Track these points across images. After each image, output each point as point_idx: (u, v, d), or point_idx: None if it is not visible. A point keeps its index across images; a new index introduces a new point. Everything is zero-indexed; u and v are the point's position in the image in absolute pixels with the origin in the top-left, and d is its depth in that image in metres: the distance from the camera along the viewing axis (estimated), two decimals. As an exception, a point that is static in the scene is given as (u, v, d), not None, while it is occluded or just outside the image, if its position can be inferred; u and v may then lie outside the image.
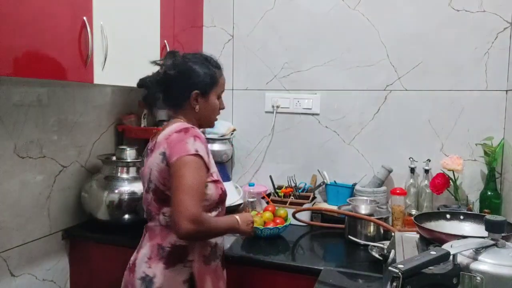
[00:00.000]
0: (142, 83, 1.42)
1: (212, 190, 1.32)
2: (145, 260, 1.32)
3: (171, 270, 1.29)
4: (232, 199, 2.06)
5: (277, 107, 2.21)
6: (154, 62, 1.44)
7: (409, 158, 1.98)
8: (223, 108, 1.48)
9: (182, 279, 1.30)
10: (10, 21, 1.21)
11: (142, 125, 2.19)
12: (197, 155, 1.25)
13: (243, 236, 1.76)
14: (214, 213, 1.35)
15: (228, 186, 2.08)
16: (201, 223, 1.20)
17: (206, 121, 1.45)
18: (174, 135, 1.29)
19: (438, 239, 1.17)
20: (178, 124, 1.34)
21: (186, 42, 2.14)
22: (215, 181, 1.34)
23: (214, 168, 1.36)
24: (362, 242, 1.71)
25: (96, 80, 1.54)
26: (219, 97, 1.45)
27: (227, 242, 1.73)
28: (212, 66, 1.41)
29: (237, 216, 1.38)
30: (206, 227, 1.23)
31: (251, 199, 2.02)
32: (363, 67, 2.07)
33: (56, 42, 1.36)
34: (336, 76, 2.11)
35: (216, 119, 1.48)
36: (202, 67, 1.38)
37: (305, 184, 2.14)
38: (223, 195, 1.37)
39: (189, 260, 1.32)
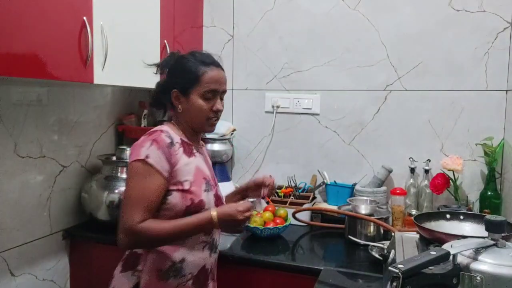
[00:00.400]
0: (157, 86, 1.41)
1: (176, 199, 1.23)
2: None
3: (123, 275, 1.30)
4: (232, 199, 2.06)
5: (277, 107, 2.21)
6: (155, 65, 1.41)
7: (409, 158, 1.98)
8: (216, 111, 1.31)
9: (128, 287, 1.27)
10: (10, 21, 1.21)
11: (142, 125, 2.19)
12: (145, 161, 1.19)
13: (239, 234, 1.67)
14: None
15: (228, 186, 2.09)
16: (136, 234, 1.17)
17: (193, 123, 1.33)
18: (140, 138, 1.26)
19: (438, 239, 1.17)
20: (158, 126, 1.32)
21: (186, 42, 2.14)
22: (184, 191, 1.24)
23: (188, 176, 1.26)
24: (362, 242, 1.71)
25: (96, 80, 1.54)
26: (205, 97, 1.29)
27: (227, 241, 1.73)
28: (198, 62, 1.29)
29: (213, 213, 1.22)
30: (145, 237, 1.18)
31: (251, 199, 2.02)
32: (363, 67, 2.07)
33: (56, 42, 1.36)
34: (336, 76, 2.11)
35: (211, 122, 1.33)
36: (184, 63, 1.30)
37: (305, 184, 2.14)
38: (191, 207, 1.24)
39: (138, 269, 1.27)
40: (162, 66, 1.38)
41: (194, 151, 1.34)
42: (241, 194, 1.54)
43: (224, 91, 1.34)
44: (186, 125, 1.34)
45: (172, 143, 1.25)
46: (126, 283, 1.27)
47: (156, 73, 1.39)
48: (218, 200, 1.36)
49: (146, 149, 1.21)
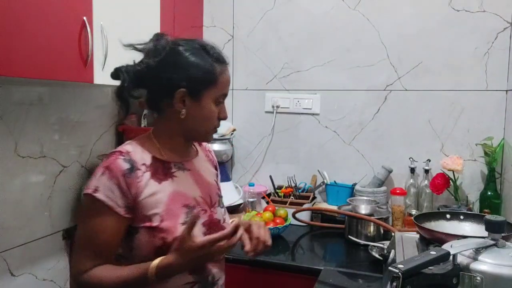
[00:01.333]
0: (117, 72, 1.08)
1: (143, 240, 0.99)
2: None
3: None
4: (232, 199, 2.06)
5: (277, 107, 2.21)
6: (132, 46, 1.09)
7: (409, 158, 1.98)
8: (223, 118, 1.10)
9: None
10: (10, 21, 1.21)
11: (143, 125, 2.19)
12: (93, 196, 0.97)
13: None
14: None
15: (228, 186, 2.09)
16: (81, 285, 0.99)
17: (196, 132, 1.08)
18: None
19: (438, 239, 1.17)
20: (126, 143, 1.07)
21: (186, 42, 2.14)
22: (154, 228, 0.99)
23: (157, 209, 1.00)
24: (362, 242, 1.71)
25: (96, 80, 1.54)
26: (217, 102, 1.06)
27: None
28: (211, 58, 1.04)
29: (153, 263, 0.94)
30: (90, 287, 0.99)
31: (251, 199, 2.03)
32: (363, 67, 2.07)
33: (56, 42, 1.36)
34: (336, 76, 2.11)
35: (214, 132, 1.10)
36: (196, 57, 1.03)
37: (305, 184, 2.14)
38: (164, 247, 0.98)
39: None
40: (150, 51, 1.06)
41: (174, 170, 1.07)
42: None
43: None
44: (176, 134, 1.08)
45: (132, 169, 0.99)
46: None
47: (143, 64, 1.08)
48: (211, 228, 1.07)
49: (96, 180, 0.98)
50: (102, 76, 1.56)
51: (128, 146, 1.05)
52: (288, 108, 2.20)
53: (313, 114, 2.17)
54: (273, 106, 2.21)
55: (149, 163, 1.03)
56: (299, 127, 2.20)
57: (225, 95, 1.09)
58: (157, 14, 1.88)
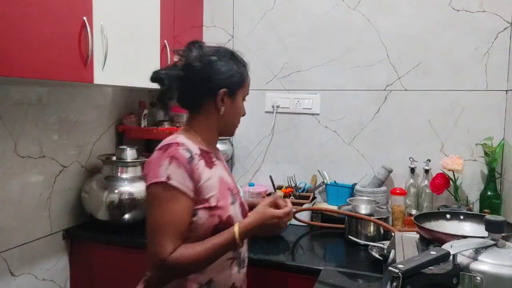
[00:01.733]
0: (157, 76, 1.17)
1: (203, 219, 1.11)
2: None
3: None
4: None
5: (277, 107, 2.21)
6: (176, 52, 1.22)
7: (409, 158, 1.98)
8: (243, 115, 1.28)
9: None
10: (10, 21, 1.21)
11: (142, 125, 2.19)
12: (167, 183, 1.06)
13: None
14: None
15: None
16: (170, 268, 1.06)
17: (228, 127, 1.25)
18: (155, 153, 1.12)
19: (438, 239, 1.16)
20: (171, 136, 1.16)
21: (186, 42, 2.14)
22: (212, 208, 1.12)
23: (213, 191, 1.14)
24: (362, 242, 1.71)
25: (96, 80, 1.54)
26: (243, 101, 1.25)
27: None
28: (240, 63, 1.22)
29: (235, 230, 1.10)
30: (180, 268, 1.06)
31: (251, 199, 2.02)
32: (363, 67, 2.07)
33: (56, 42, 1.36)
34: (336, 76, 2.11)
35: (237, 126, 1.28)
36: (230, 63, 1.19)
37: (305, 184, 2.14)
38: (220, 225, 1.13)
39: None
40: (192, 58, 1.18)
41: (214, 159, 1.22)
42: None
43: None
44: (214, 129, 1.22)
45: (191, 157, 1.11)
46: None
47: (195, 65, 1.17)
48: (243, 210, 1.24)
49: (165, 169, 1.07)
50: (102, 76, 1.56)
51: (180, 138, 1.15)
52: (288, 108, 2.20)
53: (313, 114, 2.17)
54: (273, 106, 2.21)
55: (199, 153, 1.16)
56: (299, 127, 2.20)
57: (247, 95, 1.27)
58: (157, 14, 1.88)
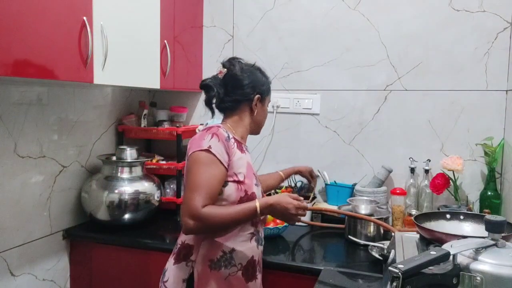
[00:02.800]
0: (205, 84, 1.43)
1: (231, 190, 1.32)
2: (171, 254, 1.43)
3: (176, 267, 1.36)
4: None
5: (277, 107, 2.21)
6: (223, 64, 1.47)
7: (409, 158, 1.98)
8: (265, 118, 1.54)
9: (182, 277, 1.34)
10: (10, 21, 1.21)
11: (142, 125, 2.19)
12: (208, 151, 1.27)
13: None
14: None
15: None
16: (201, 219, 1.23)
17: (257, 127, 1.49)
18: (198, 134, 1.37)
19: (438, 239, 1.16)
20: (212, 125, 1.38)
21: (186, 42, 2.14)
22: (239, 182, 1.33)
23: (241, 169, 1.35)
24: (362, 242, 1.71)
25: (96, 80, 1.54)
26: (267, 106, 1.52)
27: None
28: (266, 76, 1.51)
29: (256, 203, 1.30)
30: (208, 222, 1.24)
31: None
32: (363, 67, 2.07)
33: (56, 42, 1.36)
34: (336, 76, 2.11)
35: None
36: (260, 75, 1.47)
37: (305, 184, 2.14)
38: (244, 198, 1.33)
39: (191, 259, 1.34)
40: (235, 69, 1.44)
41: (244, 148, 1.43)
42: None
43: None
44: (248, 127, 1.46)
45: (229, 137, 1.34)
46: (181, 273, 1.34)
47: (243, 78, 1.43)
48: (262, 194, 1.45)
49: (207, 141, 1.29)
50: (102, 76, 1.56)
51: (219, 125, 1.38)
52: (288, 108, 2.20)
53: (313, 114, 2.17)
54: (273, 106, 2.21)
55: (233, 139, 1.38)
56: (299, 127, 2.20)
57: (270, 102, 1.55)
58: (157, 14, 1.88)
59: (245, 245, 1.36)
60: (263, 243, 1.44)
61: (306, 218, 1.98)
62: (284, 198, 1.33)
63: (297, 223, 1.90)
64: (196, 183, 1.26)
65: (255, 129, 1.50)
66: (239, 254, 1.34)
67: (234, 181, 1.32)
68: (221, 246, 1.32)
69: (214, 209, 1.26)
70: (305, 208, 1.37)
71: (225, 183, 1.31)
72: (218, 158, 1.28)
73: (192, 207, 1.23)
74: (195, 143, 1.32)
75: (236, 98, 1.43)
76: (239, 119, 1.45)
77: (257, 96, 1.43)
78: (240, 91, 1.42)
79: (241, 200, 1.32)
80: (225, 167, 1.30)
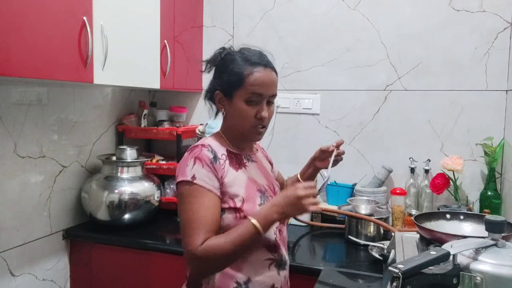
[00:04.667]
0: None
1: (229, 219, 1.13)
2: None
3: None
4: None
5: (277, 107, 2.20)
6: (205, 61, 1.25)
7: (409, 158, 1.97)
8: (261, 118, 1.16)
9: None
10: (10, 21, 1.21)
11: (142, 125, 2.19)
12: (192, 183, 1.10)
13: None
14: None
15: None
16: (200, 257, 1.05)
17: (237, 130, 1.19)
18: (185, 154, 1.17)
19: (438, 239, 1.17)
20: (202, 139, 1.21)
21: (186, 42, 2.14)
22: (238, 210, 1.13)
23: (239, 191, 1.15)
24: (362, 242, 1.71)
25: (96, 80, 1.54)
26: (249, 102, 1.15)
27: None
28: (243, 60, 1.15)
29: (252, 220, 1.07)
30: (209, 257, 1.06)
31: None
32: (363, 67, 2.07)
33: (56, 42, 1.36)
34: (336, 76, 2.11)
35: (256, 131, 1.18)
36: (232, 62, 1.16)
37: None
38: None
39: None
40: (209, 62, 1.23)
41: (245, 161, 1.23)
42: (310, 165, 1.47)
43: (273, 95, 1.20)
44: (234, 132, 1.21)
45: (215, 158, 1.13)
46: None
47: (203, 71, 1.24)
48: None
49: (190, 169, 1.11)
50: (102, 76, 1.56)
51: (207, 140, 1.20)
52: (288, 108, 2.20)
53: (313, 114, 2.17)
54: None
55: (226, 154, 1.18)
56: (299, 127, 2.20)
57: (258, 95, 1.16)
58: (157, 14, 1.88)
59: (263, 273, 1.17)
60: (287, 266, 1.25)
61: (306, 218, 1.98)
62: (287, 189, 1.12)
63: (297, 223, 1.92)
64: (187, 220, 1.09)
65: (239, 133, 1.20)
66: (256, 284, 1.15)
67: (230, 209, 1.13)
68: (234, 277, 1.14)
69: (214, 240, 1.07)
70: (312, 187, 1.10)
71: (222, 211, 1.13)
72: (205, 188, 1.10)
73: (187, 247, 1.07)
74: (180, 170, 1.14)
75: (208, 98, 1.23)
76: (224, 122, 1.23)
77: (216, 93, 1.18)
78: (208, 88, 1.23)
79: None
80: (217, 194, 1.12)
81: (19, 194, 1.65)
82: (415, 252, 1.18)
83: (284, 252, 1.24)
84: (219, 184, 1.13)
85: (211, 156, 1.13)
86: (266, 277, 1.17)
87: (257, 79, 1.14)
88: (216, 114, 1.26)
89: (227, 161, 1.17)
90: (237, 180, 1.16)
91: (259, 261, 1.16)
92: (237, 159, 1.21)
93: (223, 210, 1.13)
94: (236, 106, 1.16)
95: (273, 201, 1.12)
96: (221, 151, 1.18)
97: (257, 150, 1.34)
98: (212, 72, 1.24)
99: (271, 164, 1.43)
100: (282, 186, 1.45)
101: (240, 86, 1.14)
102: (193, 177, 1.10)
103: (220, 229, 1.12)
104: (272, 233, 1.18)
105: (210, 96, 1.22)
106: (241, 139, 1.23)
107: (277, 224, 1.16)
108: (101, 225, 1.86)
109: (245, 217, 1.11)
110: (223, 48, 1.23)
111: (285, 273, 1.24)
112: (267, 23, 2.21)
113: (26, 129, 1.66)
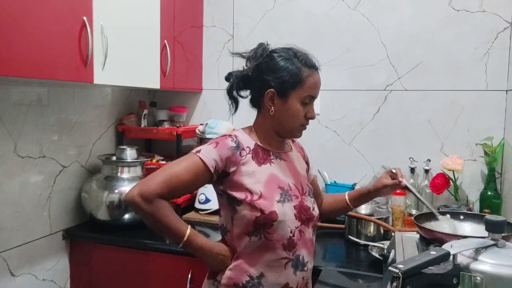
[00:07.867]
0: (229, 76, 1.26)
1: (245, 210, 1.14)
2: None
3: (207, 283, 1.24)
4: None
5: (277, 107, 2.20)
6: (239, 54, 1.25)
7: (409, 158, 1.97)
8: (311, 118, 1.23)
9: None
10: (10, 21, 1.21)
11: (142, 125, 2.19)
12: (195, 154, 1.14)
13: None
14: (254, 239, 1.16)
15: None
16: (148, 202, 1.09)
17: (283, 128, 1.22)
18: None
19: (438, 239, 1.16)
20: (235, 130, 1.25)
21: (186, 42, 2.14)
22: (254, 202, 1.14)
23: (257, 185, 1.15)
24: (362, 242, 1.71)
25: (96, 80, 1.54)
26: (304, 102, 1.19)
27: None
28: (300, 63, 1.19)
29: (188, 230, 1.14)
30: (149, 210, 1.10)
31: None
32: (363, 67, 2.07)
33: (56, 42, 1.36)
34: (336, 76, 2.11)
35: (301, 129, 1.25)
36: (286, 62, 1.18)
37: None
38: (260, 218, 1.13)
39: (217, 279, 1.20)
40: (251, 58, 1.22)
41: (272, 157, 1.23)
42: (371, 194, 1.37)
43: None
44: (270, 129, 1.23)
45: (237, 148, 1.17)
46: None
47: (247, 70, 1.23)
48: (302, 212, 1.21)
49: (203, 147, 1.17)
50: (102, 76, 1.56)
51: (237, 132, 1.23)
52: (288, 108, 2.20)
53: (313, 114, 2.16)
54: (273, 106, 2.21)
55: (252, 147, 1.21)
56: (299, 127, 2.19)
57: (312, 97, 1.21)
58: (157, 14, 1.88)
59: (277, 271, 1.17)
60: (306, 267, 1.23)
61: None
62: (220, 246, 1.19)
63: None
64: (167, 170, 1.13)
65: (282, 131, 1.23)
66: (269, 281, 1.17)
67: (246, 200, 1.14)
68: (247, 271, 1.17)
69: (161, 205, 1.11)
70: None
71: (238, 202, 1.15)
72: (201, 159, 1.12)
73: (142, 186, 1.11)
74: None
75: (253, 93, 1.24)
76: (261, 118, 1.24)
77: (269, 91, 1.18)
78: (253, 86, 1.23)
79: (256, 220, 1.14)
80: (208, 169, 1.13)
81: (19, 194, 1.65)
82: (415, 252, 1.18)
83: (304, 253, 1.21)
84: (223, 166, 1.14)
85: (231, 144, 1.17)
86: (281, 275, 1.18)
87: (314, 82, 1.21)
88: (236, 110, 1.27)
89: (251, 154, 1.19)
90: (257, 174, 1.17)
91: (275, 259, 1.17)
92: (264, 154, 1.21)
93: (240, 202, 1.15)
94: (289, 105, 1.18)
95: (217, 247, 1.19)
96: (248, 143, 1.20)
97: (291, 148, 1.34)
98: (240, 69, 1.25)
99: (308, 164, 1.40)
100: (316, 195, 1.38)
101: (298, 87, 1.17)
102: (199, 151, 1.15)
103: (235, 220, 1.16)
104: (288, 232, 1.17)
105: (260, 93, 1.20)
106: (276, 136, 1.25)
107: (297, 224, 1.19)
108: (101, 225, 1.86)
109: (261, 211, 1.13)
110: (261, 44, 1.24)
111: (303, 274, 1.23)
112: (267, 23, 2.21)
113: (26, 129, 1.66)
